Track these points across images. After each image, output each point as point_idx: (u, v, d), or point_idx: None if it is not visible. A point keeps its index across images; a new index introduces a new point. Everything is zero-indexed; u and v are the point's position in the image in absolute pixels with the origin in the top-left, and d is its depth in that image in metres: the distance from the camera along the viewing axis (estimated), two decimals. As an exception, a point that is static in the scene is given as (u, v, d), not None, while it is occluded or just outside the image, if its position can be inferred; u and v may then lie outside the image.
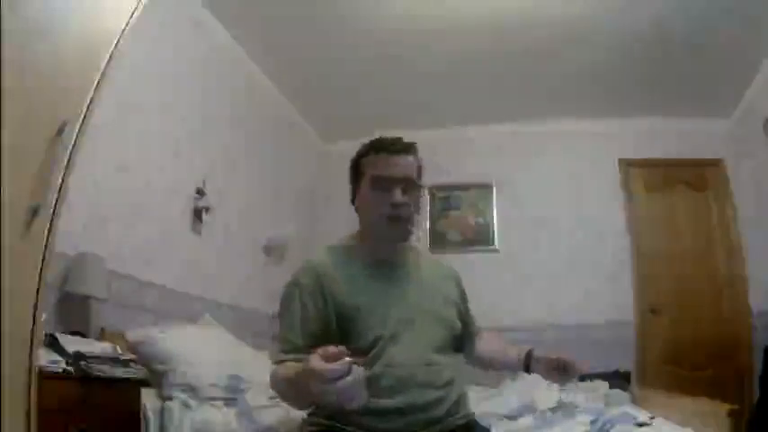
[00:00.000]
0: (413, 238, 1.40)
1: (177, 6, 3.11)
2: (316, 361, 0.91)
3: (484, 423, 1.38)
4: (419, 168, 1.37)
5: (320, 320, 1.24)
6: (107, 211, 2.56)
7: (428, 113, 4.56)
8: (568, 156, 4.71)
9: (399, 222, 1.30)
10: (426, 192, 1.57)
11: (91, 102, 1.46)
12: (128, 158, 2.72)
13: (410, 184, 1.31)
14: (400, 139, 1.35)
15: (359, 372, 0.91)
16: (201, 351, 2.42)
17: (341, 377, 0.89)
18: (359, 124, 4.06)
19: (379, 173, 1.30)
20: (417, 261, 1.44)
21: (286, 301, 1.29)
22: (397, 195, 1.27)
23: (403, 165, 1.31)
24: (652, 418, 2.01)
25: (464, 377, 1.35)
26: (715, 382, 3.92)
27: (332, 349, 0.92)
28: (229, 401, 2.20)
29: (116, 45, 1.54)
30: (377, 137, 1.37)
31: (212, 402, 2.17)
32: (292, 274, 1.33)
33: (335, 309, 1.25)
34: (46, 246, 1.33)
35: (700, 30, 3.46)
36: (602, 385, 2.89)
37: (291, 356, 1.19)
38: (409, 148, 1.34)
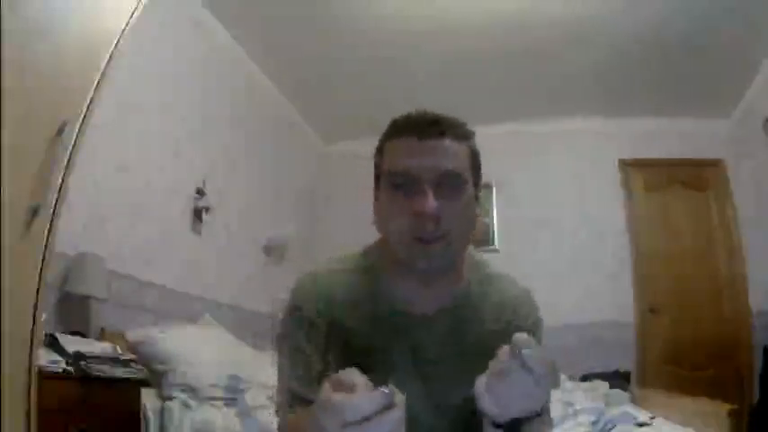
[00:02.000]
0: (457, 274, 0.91)
1: (177, 6, 3.11)
2: (333, 393, 0.57)
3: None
4: (471, 157, 0.88)
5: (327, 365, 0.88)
6: (107, 211, 2.55)
7: (428, 113, 4.56)
8: (568, 156, 4.71)
9: (430, 246, 0.81)
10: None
11: (91, 102, 1.46)
12: (128, 158, 2.71)
13: (452, 184, 0.83)
14: (436, 114, 0.87)
15: (401, 403, 0.58)
16: (201, 351, 2.42)
17: (378, 411, 0.55)
18: (359, 124, 4.06)
19: (399, 167, 0.84)
20: (473, 303, 0.92)
21: (285, 335, 0.92)
22: (426, 202, 0.79)
23: (438, 153, 0.83)
24: (652, 418, 2.01)
25: None
26: (715, 382, 3.91)
27: (346, 377, 0.59)
28: (229, 401, 2.20)
29: (116, 45, 1.54)
30: (410, 112, 0.88)
31: (212, 402, 2.17)
32: (291, 295, 0.94)
33: (342, 357, 0.87)
34: (46, 246, 1.33)
35: (700, 30, 3.46)
36: (602, 385, 2.89)
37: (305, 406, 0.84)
38: (449, 128, 0.85)
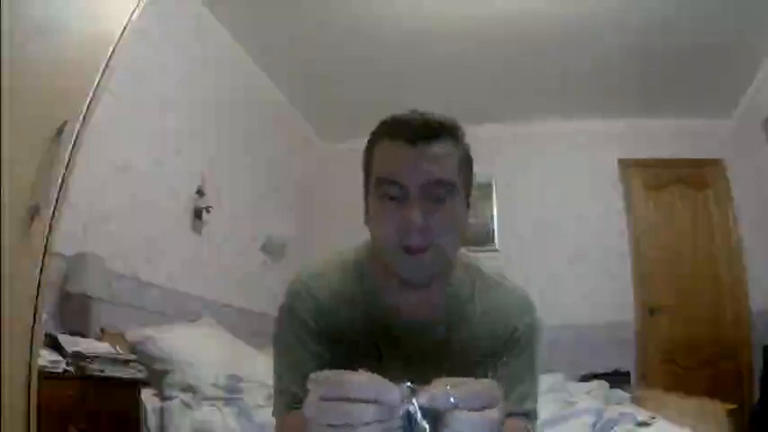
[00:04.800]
0: (448, 278, 0.90)
1: (177, 6, 3.11)
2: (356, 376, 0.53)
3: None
4: (462, 161, 0.85)
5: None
6: (107, 211, 2.55)
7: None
8: (568, 156, 4.71)
9: (417, 256, 0.80)
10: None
11: (91, 102, 1.46)
12: (128, 158, 2.71)
13: (440, 193, 0.81)
14: (426, 116, 0.83)
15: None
16: (201, 351, 2.42)
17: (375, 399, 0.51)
18: (359, 124, 4.06)
19: (386, 174, 0.82)
20: (466, 305, 0.91)
21: (280, 335, 0.92)
22: (414, 213, 0.78)
23: (427, 160, 0.80)
24: (653, 417, 2.01)
25: None
26: (715, 381, 3.92)
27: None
28: (229, 401, 2.20)
29: (116, 45, 1.54)
30: (401, 113, 0.85)
31: (212, 402, 2.16)
32: (285, 294, 0.93)
33: (334, 357, 0.87)
34: (46, 246, 1.33)
35: (700, 29, 3.46)
36: (603, 385, 2.89)
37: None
38: (439, 131, 0.82)
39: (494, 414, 0.55)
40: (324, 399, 0.52)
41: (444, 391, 0.53)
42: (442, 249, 0.82)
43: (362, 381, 0.52)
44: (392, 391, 0.52)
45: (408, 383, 0.53)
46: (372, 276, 0.91)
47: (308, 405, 0.54)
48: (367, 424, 0.51)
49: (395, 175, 0.80)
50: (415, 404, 0.52)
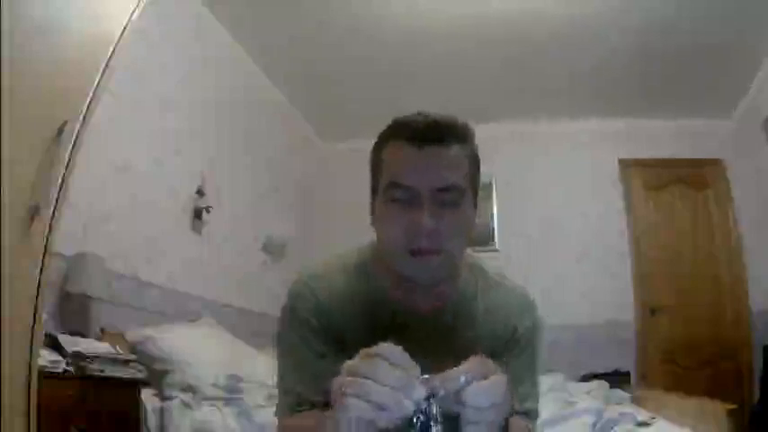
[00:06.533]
0: (453, 279, 0.91)
1: (177, 6, 3.11)
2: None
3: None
4: (471, 162, 0.85)
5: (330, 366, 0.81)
6: (107, 211, 2.55)
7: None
8: (568, 155, 4.71)
9: (425, 259, 0.80)
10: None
11: (91, 102, 1.46)
12: (128, 157, 2.71)
13: (450, 197, 0.81)
14: (435, 118, 0.82)
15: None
16: (201, 351, 2.42)
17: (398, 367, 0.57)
18: (359, 124, 4.06)
19: (397, 178, 0.81)
20: (469, 305, 0.92)
21: (283, 335, 0.92)
22: (423, 217, 0.78)
23: (436, 164, 0.80)
24: (653, 417, 2.01)
25: None
26: (715, 381, 3.92)
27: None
28: (229, 401, 2.20)
29: (116, 44, 1.54)
30: (408, 115, 0.84)
31: (212, 402, 2.17)
32: (287, 294, 0.94)
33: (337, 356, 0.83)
34: (46, 246, 1.33)
35: (700, 29, 3.46)
36: (603, 385, 2.89)
37: (307, 408, 0.86)
38: (449, 134, 0.82)
39: (500, 378, 0.59)
40: (365, 355, 0.58)
41: (455, 373, 0.58)
42: (450, 254, 0.82)
43: (395, 348, 0.58)
44: (414, 366, 0.58)
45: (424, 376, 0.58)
46: (376, 276, 0.91)
47: (347, 363, 0.59)
48: (384, 386, 0.55)
49: (405, 179, 0.80)
50: (434, 403, 0.57)
